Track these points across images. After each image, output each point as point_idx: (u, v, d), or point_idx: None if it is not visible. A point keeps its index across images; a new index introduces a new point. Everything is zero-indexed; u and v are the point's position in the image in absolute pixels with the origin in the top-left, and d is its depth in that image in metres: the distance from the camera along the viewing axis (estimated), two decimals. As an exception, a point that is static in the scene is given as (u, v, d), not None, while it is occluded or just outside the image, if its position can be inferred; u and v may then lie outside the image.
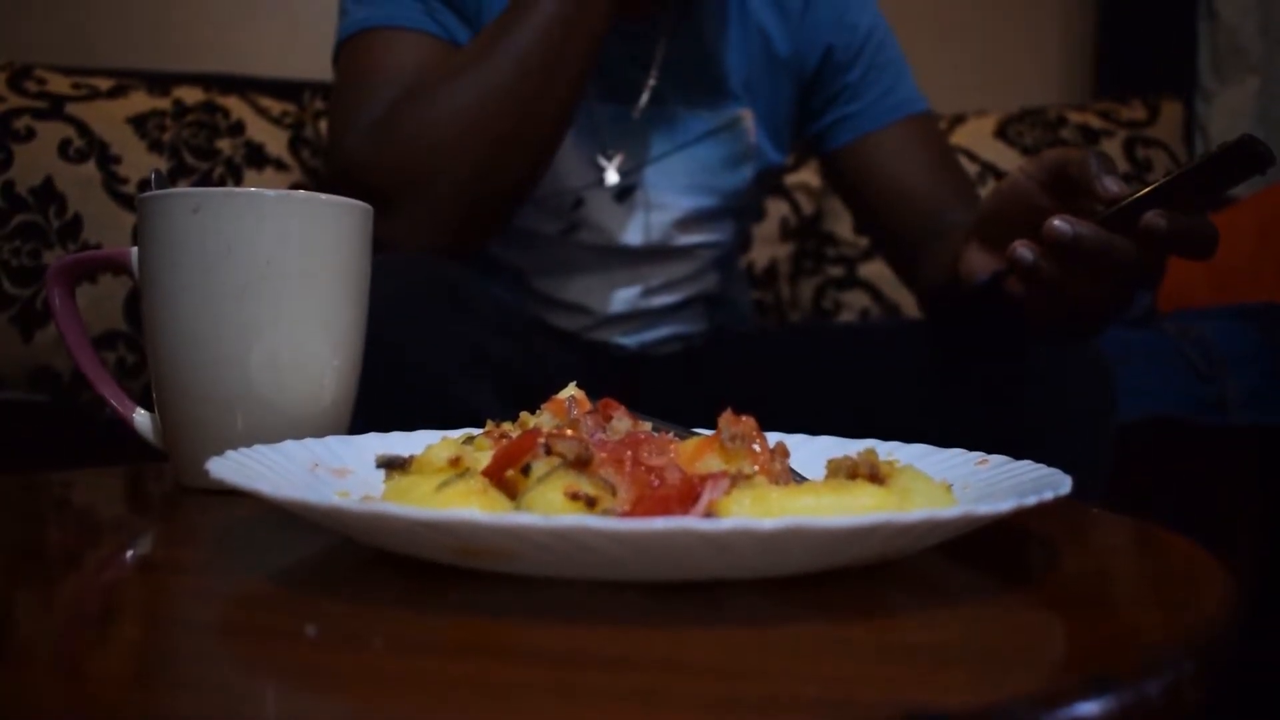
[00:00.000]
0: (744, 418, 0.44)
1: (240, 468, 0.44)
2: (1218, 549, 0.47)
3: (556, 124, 0.96)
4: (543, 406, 0.48)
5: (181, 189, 0.56)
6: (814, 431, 0.68)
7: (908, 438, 0.70)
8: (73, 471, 0.70)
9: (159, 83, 1.79)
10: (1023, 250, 0.71)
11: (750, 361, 1.07)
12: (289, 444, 0.51)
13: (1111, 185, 0.69)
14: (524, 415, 0.49)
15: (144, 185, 1.64)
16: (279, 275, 0.56)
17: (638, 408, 1.05)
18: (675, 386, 1.09)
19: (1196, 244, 0.66)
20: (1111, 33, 2.50)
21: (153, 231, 0.57)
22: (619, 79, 1.09)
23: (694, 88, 1.11)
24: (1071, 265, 0.69)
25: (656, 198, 1.10)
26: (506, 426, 0.49)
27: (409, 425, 0.61)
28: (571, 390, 0.50)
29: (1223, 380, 1.48)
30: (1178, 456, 1.41)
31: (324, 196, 0.58)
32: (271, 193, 0.56)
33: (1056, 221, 0.68)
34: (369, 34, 1.01)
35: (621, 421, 0.46)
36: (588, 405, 0.48)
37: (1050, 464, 0.88)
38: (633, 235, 1.09)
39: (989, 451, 0.53)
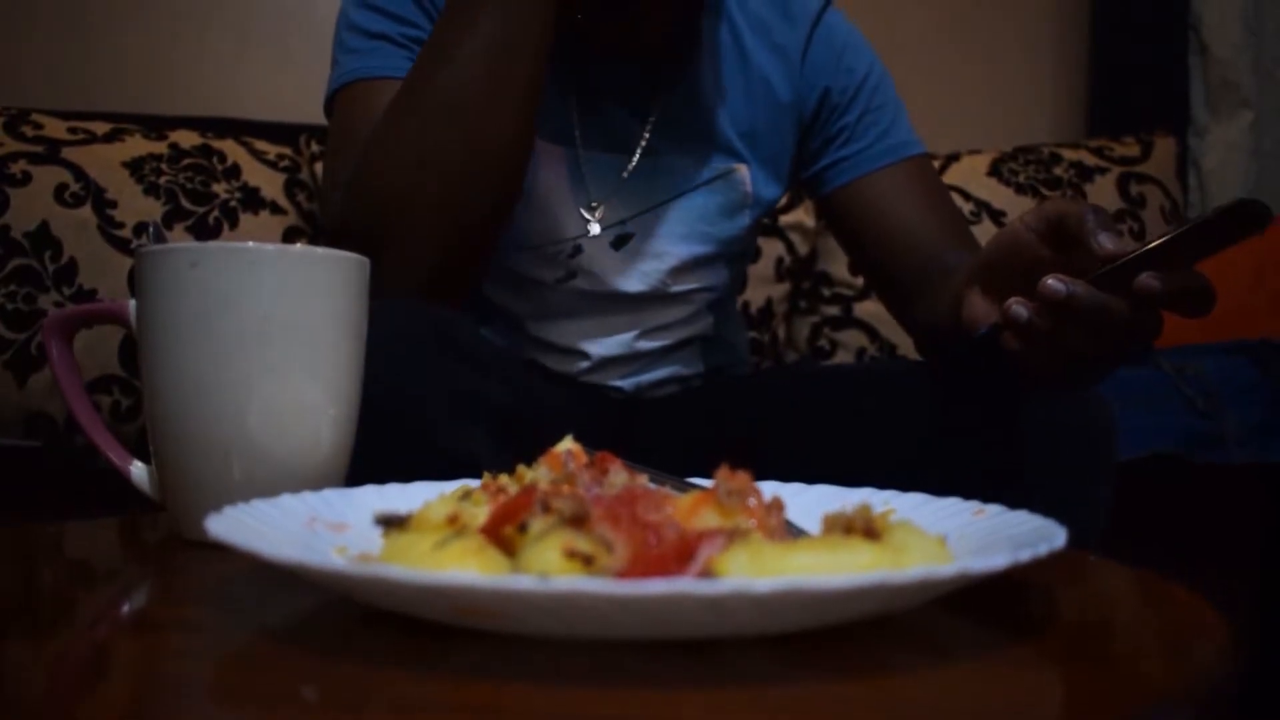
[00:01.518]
0: (739, 472, 0.44)
1: (238, 525, 0.44)
2: (1218, 588, 0.46)
3: (507, 160, 0.93)
4: (539, 460, 0.48)
5: (180, 244, 0.56)
6: (811, 474, 0.67)
7: (905, 479, 0.70)
8: (66, 522, 0.69)
9: (155, 126, 1.80)
10: (1018, 308, 0.71)
11: (746, 404, 1.07)
12: (286, 498, 0.51)
13: (1107, 243, 0.69)
14: (520, 469, 0.49)
15: (140, 231, 1.64)
16: (276, 328, 0.57)
17: (633, 451, 1.05)
18: (671, 429, 1.09)
19: (1192, 303, 0.67)
20: (1103, 70, 2.52)
21: (151, 285, 0.57)
22: (615, 131, 1.09)
23: (691, 138, 1.11)
24: (1066, 323, 0.70)
25: (653, 246, 1.10)
26: (503, 480, 0.49)
27: (405, 471, 0.61)
28: (568, 444, 0.50)
29: (1221, 417, 1.49)
30: (1178, 494, 1.41)
31: (320, 250, 0.58)
32: (270, 247, 0.56)
33: (1050, 281, 0.68)
34: (356, 86, 1.01)
35: (618, 475, 0.46)
36: (584, 458, 0.48)
37: (1050, 504, 0.88)
38: (629, 282, 1.10)
39: (988, 493, 0.53)
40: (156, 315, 0.57)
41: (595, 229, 1.08)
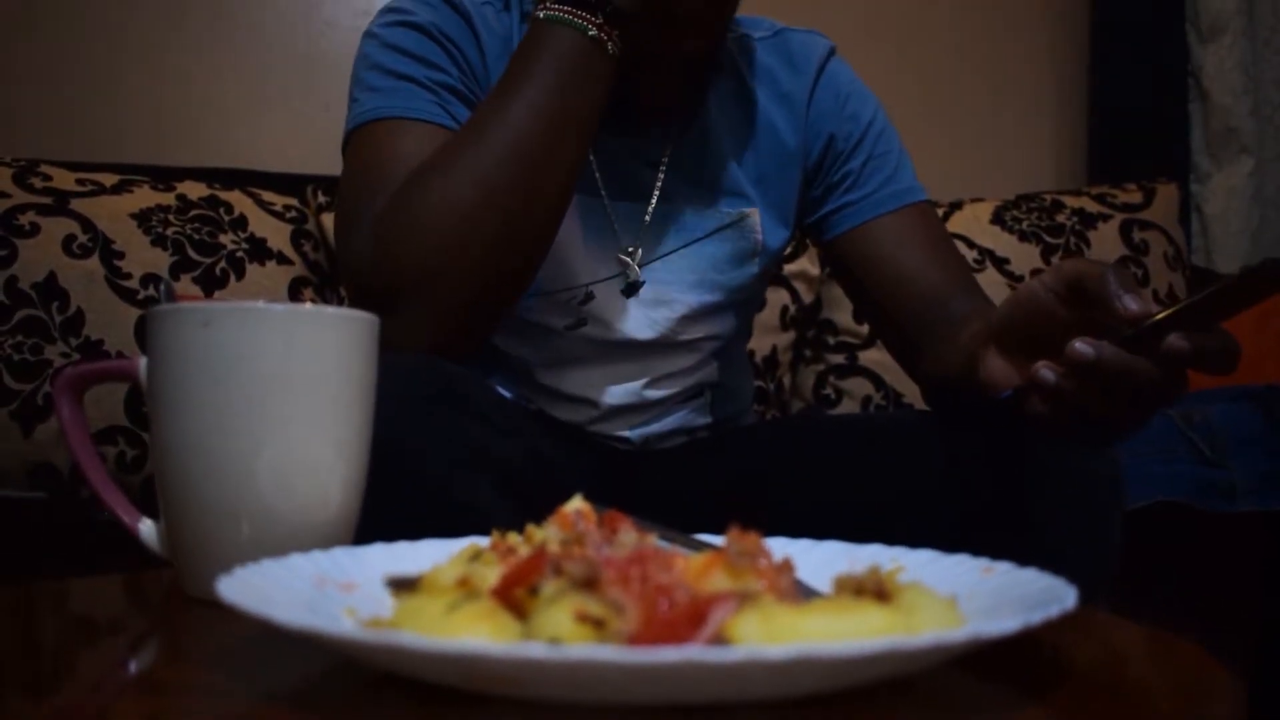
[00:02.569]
0: (749, 533, 0.44)
1: (248, 588, 0.44)
2: (1226, 638, 0.46)
3: (552, 216, 0.95)
4: (549, 519, 0.48)
5: (191, 303, 0.57)
6: (819, 526, 0.67)
7: (912, 530, 0.70)
8: (71, 578, 0.69)
9: (163, 177, 1.81)
10: (1045, 371, 0.72)
11: (753, 456, 1.06)
12: (295, 558, 0.51)
13: (1132, 304, 0.69)
14: (530, 528, 0.49)
15: (146, 282, 1.65)
16: (286, 387, 0.57)
17: (640, 504, 1.05)
18: (678, 481, 1.09)
19: (1219, 362, 0.67)
20: (1104, 117, 2.53)
21: (162, 345, 0.58)
22: (631, 179, 1.10)
23: (701, 187, 1.12)
24: (1093, 385, 0.70)
25: (664, 294, 1.10)
26: (513, 539, 0.49)
27: (413, 526, 0.61)
28: (577, 503, 0.50)
29: (1228, 465, 1.48)
30: (1186, 543, 1.41)
31: (330, 310, 0.59)
32: (279, 307, 0.57)
33: (1079, 344, 0.69)
34: (378, 125, 1.01)
35: (628, 535, 0.46)
36: (594, 518, 0.48)
37: (1058, 555, 0.88)
38: (638, 330, 1.10)
39: (996, 544, 0.53)
40: (167, 374, 0.58)
41: (634, 271, 1.09)
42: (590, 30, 0.93)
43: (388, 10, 1.08)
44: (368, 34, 1.07)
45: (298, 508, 0.59)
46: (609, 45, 0.93)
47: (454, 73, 1.04)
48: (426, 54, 1.03)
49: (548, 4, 0.94)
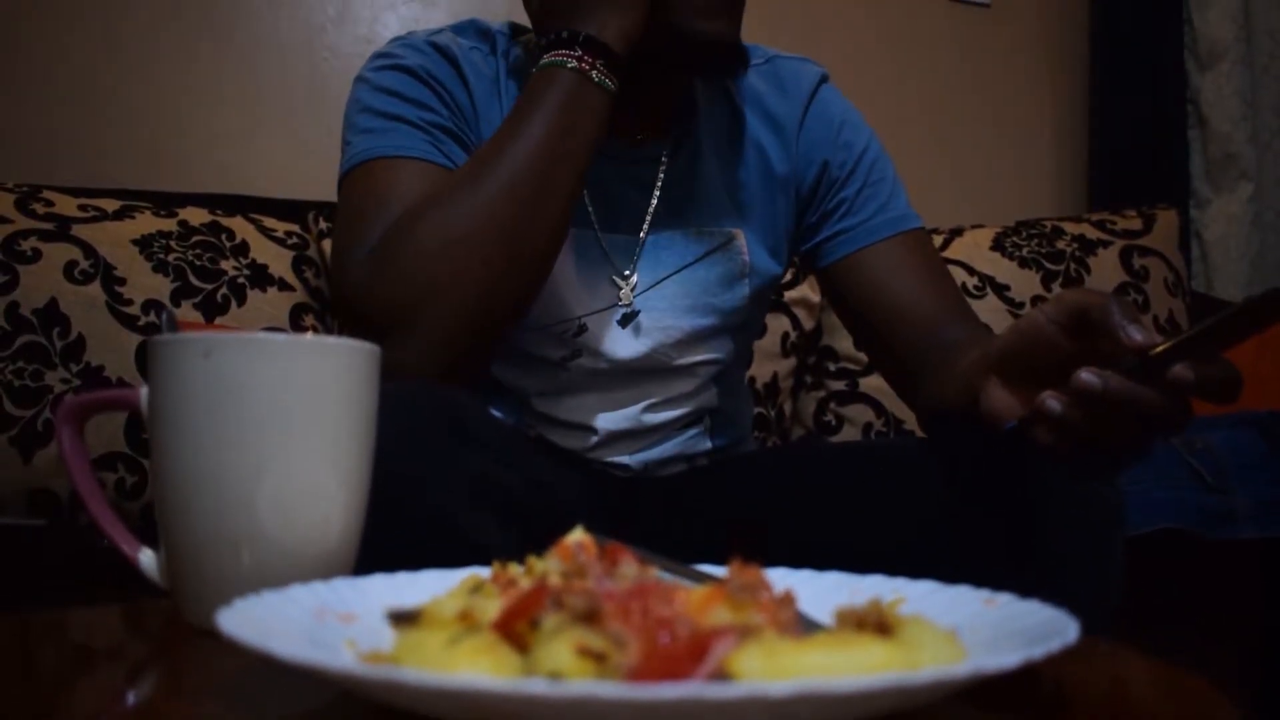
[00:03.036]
0: (751, 566, 0.44)
1: (248, 620, 0.44)
2: (1228, 666, 0.46)
3: (548, 249, 0.97)
4: (550, 551, 0.48)
5: (193, 334, 0.57)
6: (820, 554, 0.67)
7: (913, 558, 0.70)
8: (70, 608, 0.69)
9: (165, 203, 1.82)
10: (1051, 402, 0.72)
11: (753, 484, 1.06)
12: (295, 589, 0.51)
13: (1136, 334, 0.70)
14: (531, 560, 0.49)
15: (148, 309, 1.65)
16: (287, 417, 0.57)
17: (640, 531, 1.05)
18: (677, 509, 1.08)
19: (1223, 391, 0.68)
20: (1103, 143, 2.54)
21: (164, 375, 0.58)
22: (622, 207, 1.10)
23: (691, 209, 1.13)
24: (1098, 415, 0.70)
25: (657, 320, 1.11)
26: (513, 571, 0.49)
27: (413, 554, 0.61)
28: (578, 535, 0.50)
29: (1230, 491, 1.48)
30: (1188, 570, 1.40)
31: (331, 340, 0.59)
32: (281, 338, 0.57)
33: (1085, 374, 0.69)
34: (371, 165, 1.03)
35: (629, 567, 0.46)
36: (595, 550, 0.48)
37: (1059, 583, 0.87)
38: (634, 357, 1.10)
39: (996, 572, 0.53)
40: (168, 404, 0.58)
41: (627, 296, 1.09)
42: (579, 68, 0.97)
43: (377, 55, 1.11)
44: (358, 78, 1.10)
45: (298, 537, 0.59)
46: (606, 81, 0.98)
47: (444, 112, 1.06)
48: (417, 95, 1.06)
49: (550, 52, 0.99)
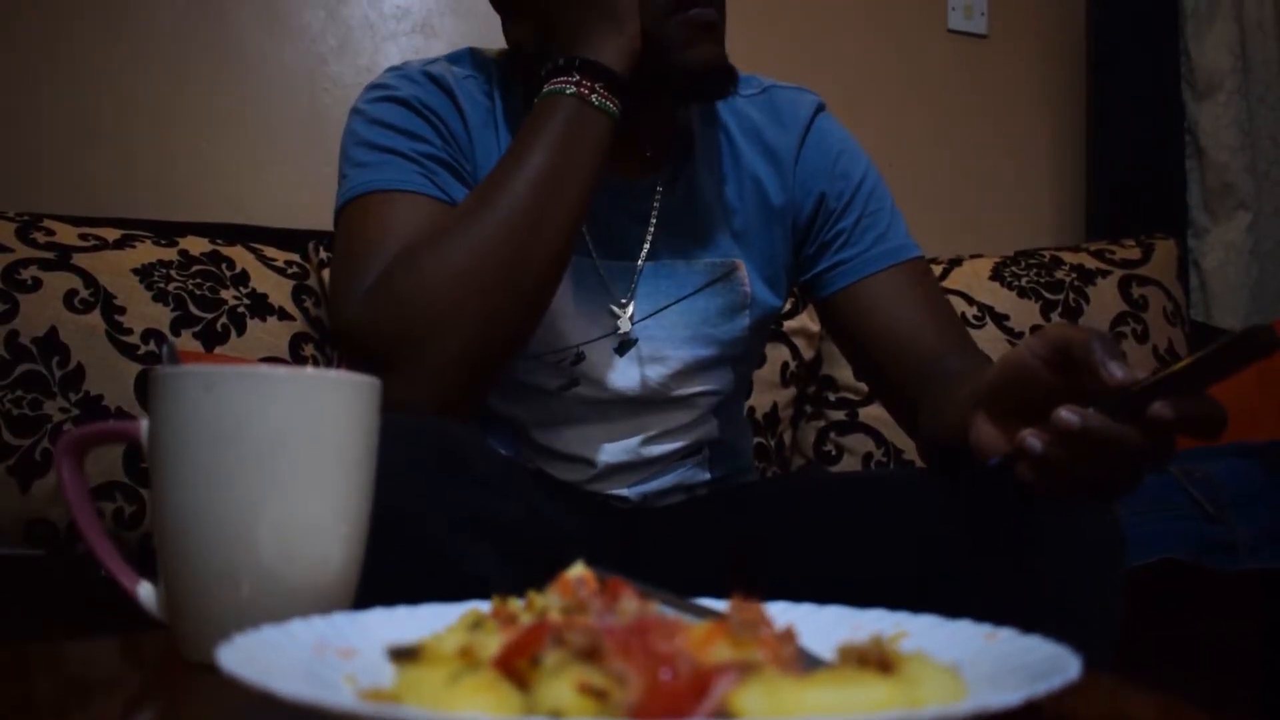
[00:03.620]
0: (752, 603, 0.43)
1: (248, 657, 0.44)
2: (1231, 699, 0.46)
3: (549, 277, 0.98)
4: (550, 586, 0.48)
5: (194, 367, 0.57)
6: (820, 585, 0.67)
7: (915, 590, 0.70)
8: (67, 642, 0.69)
9: (165, 233, 1.82)
10: (1031, 440, 0.72)
11: (753, 514, 1.06)
12: (295, 624, 0.51)
13: (1117, 372, 0.70)
14: (532, 596, 0.49)
15: (147, 338, 1.65)
16: (288, 451, 0.57)
17: (640, 563, 1.04)
18: (677, 540, 1.08)
19: (1204, 429, 0.67)
20: (1102, 173, 2.55)
21: (165, 408, 0.58)
22: (619, 236, 1.11)
23: (690, 240, 1.13)
24: (1080, 452, 0.70)
25: (655, 350, 1.11)
26: (514, 606, 0.49)
27: (413, 588, 0.61)
28: (579, 570, 0.50)
29: (1231, 522, 1.48)
30: (1190, 601, 1.40)
31: (332, 374, 0.59)
32: (282, 371, 0.57)
33: (1064, 412, 0.69)
34: (367, 198, 1.03)
35: (630, 603, 0.46)
36: (595, 585, 0.48)
37: (1060, 614, 0.87)
38: (631, 387, 1.10)
39: (998, 603, 0.53)
40: (169, 437, 0.58)
41: (626, 325, 1.09)
42: (580, 93, 0.98)
43: (373, 87, 1.11)
44: (354, 110, 1.10)
45: (298, 570, 0.59)
46: (594, 99, 0.98)
47: (438, 143, 1.06)
48: (411, 127, 1.06)
49: (551, 79, 1.00)
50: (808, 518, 1.00)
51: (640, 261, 1.11)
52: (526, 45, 1.09)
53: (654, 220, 1.12)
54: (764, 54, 2.32)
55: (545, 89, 0.99)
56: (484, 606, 0.51)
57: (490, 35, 1.18)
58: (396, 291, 0.93)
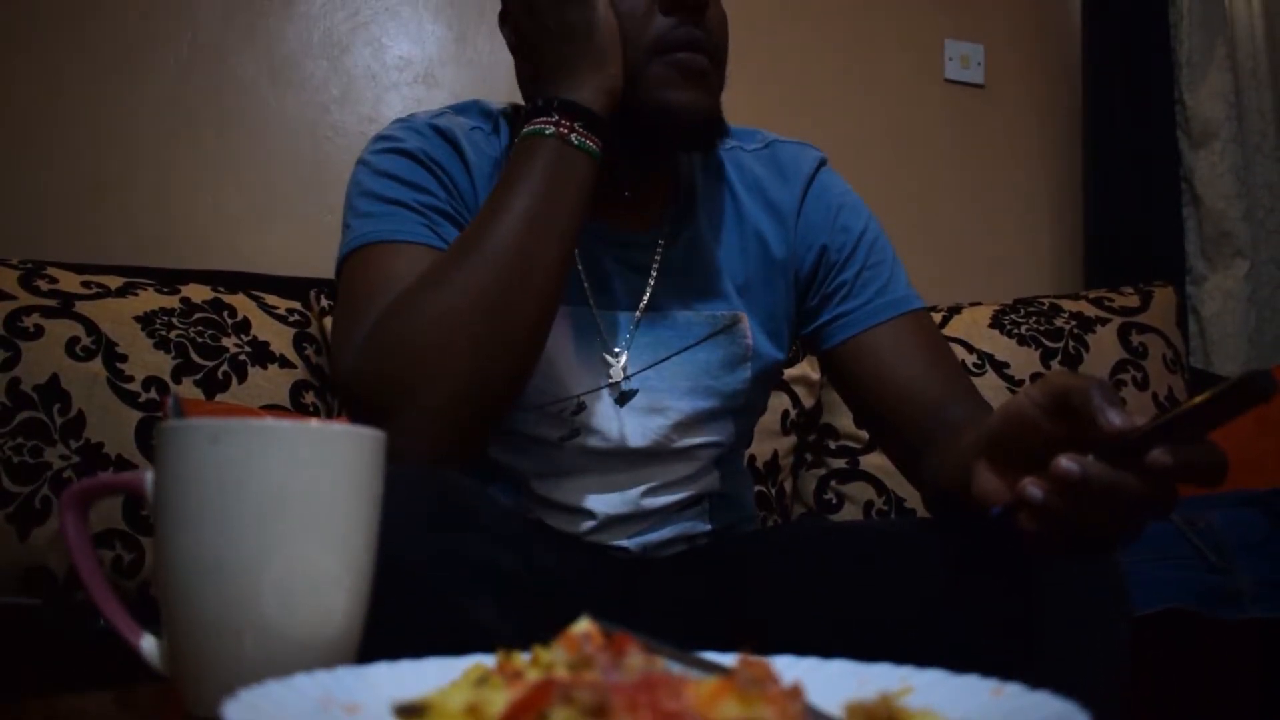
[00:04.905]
0: (759, 660, 0.43)
1: (254, 713, 0.43)
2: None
3: (537, 320, 0.97)
4: (556, 641, 0.48)
5: (199, 420, 0.57)
6: (822, 635, 0.67)
7: (917, 641, 0.69)
8: (67, 695, 0.68)
9: (168, 280, 1.83)
10: (1032, 489, 0.72)
11: (755, 565, 1.06)
12: (299, 678, 0.51)
13: (1115, 419, 0.70)
14: (537, 650, 0.49)
15: (148, 385, 1.65)
16: (292, 504, 0.57)
17: (642, 614, 1.04)
18: (679, 591, 1.08)
19: (1204, 476, 0.67)
20: (1099, 221, 2.57)
21: (170, 461, 0.58)
22: (619, 287, 1.11)
23: (691, 292, 1.13)
24: (1080, 501, 0.70)
25: (657, 401, 1.11)
26: (519, 661, 0.49)
27: (416, 639, 0.61)
28: (584, 625, 0.50)
29: (1234, 571, 1.47)
30: (1194, 651, 1.39)
31: (337, 427, 0.59)
32: (287, 424, 0.57)
33: (1064, 461, 0.69)
34: (370, 249, 1.03)
35: (636, 658, 0.46)
36: (601, 640, 0.48)
37: (1065, 665, 0.86)
38: (633, 438, 1.10)
39: (1002, 655, 0.52)
40: (174, 489, 0.58)
41: (619, 374, 1.09)
42: (560, 133, 0.98)
43: (379, 138, 1.12)
44: (360, 161, 1.11)
45: (302, 624, 0.58)
46: (573, 138, 0.98)
47: (441, 195, 1.07)
48: (416, 179, 1.06)
49: (530, 120, 0.99)
50: (809, 569, 1.00)
51: (639, 312, 1.11)
52: (525, 86, 1.09)
53: (654, 272, 1.12)
54: (764, 106, 2.34)
55: (525, 129, 0.99)
56: (488, 660, 0.51)
57: (491, 85, 1.20)
58: (386, 342, 0.93)
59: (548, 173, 0.97)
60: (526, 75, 1.10)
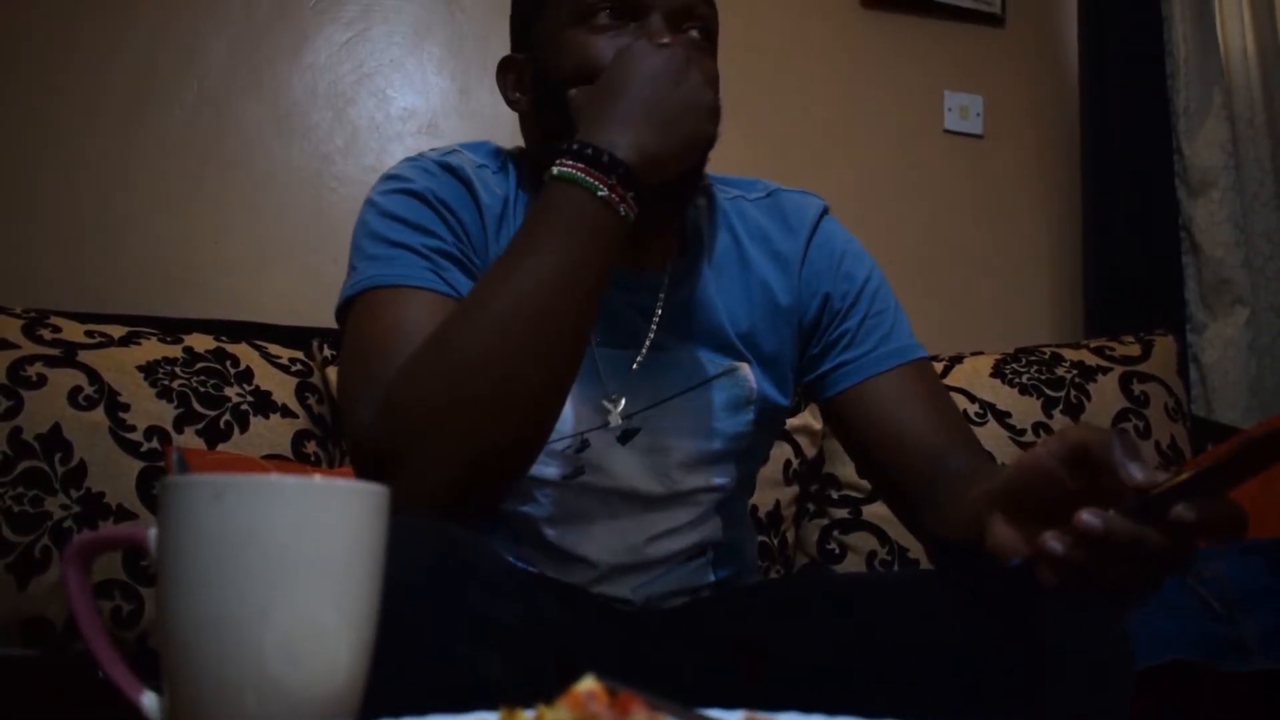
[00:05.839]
0: (764, 717, 0.43)
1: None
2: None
3: (555, 381, 0.96)
4: (560, 700, 0.48)
5: (204, 475, 0.57)
6: (827, 687, 0.66)
7: (921, 692, 0.69)
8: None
9: (171, 330, 1.83)
10: (1053, 543, 0.72)
11: (758, 618, 1.05)
12: (301, 737, 0.50)
13: (1137, 474, 0.70)
14: (541, 710, 0.48)
15: (150, 434, 1.65)
16: (297, 560, 0.57)
17: (645, 667, 1.03)
18: (682, 644, 1.07)
19: (1226, 531, 0.68)
20: (1098, 270, 2.57)
21: (174, 516, 0.58)
22: (622, 327, 1.11)
23: (695, 336, 1.13)
24: (1101, 555, 0.70)
25: (660, 441, 1.11)
26: (522, 716, 0.48)
27: (418, 698, 0.60)
28: (589, 683, 0.49)
29: (1240, 621, 1.46)
30: (1200, 703, 1.38)
31: (341, 483, 0.59)
32: (291, 480, 0.57)
33: (1086, 515, 0.69)
34: (374, 293, 1.03)
35: (640, 717, 0.45)
36: (605, 698, 0.48)
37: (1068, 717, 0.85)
38: (637, 479, 1.10)
39: (1005, 705, 0.52)
40: (178, 545, 0.57)
41: (616, 420, 1.09)
42: (600, 191, 0.94)
43: (388, 178, 1.11)
44: (368, 201, 1.10)
45: (305, 680, 0.58)
46: (621, 209, 0.94)
47: (449, 238, 1.06)
48: (422, 221, 1.06)
49: (561, 160, 0.95)
50: (813, 621, 0.99)
51: (642, 353, 1.11)
52: (533, 136, 1.09)
53: (658, 314, 1.12)
54: (766, 156, 2.36)
55: (555, 169, 0.95)
56: (491, 716, 0.51)
57: (494, 137, 1.20)
58: (400, 400, 0.92)
59: (577, 230, 0.93)
60: (549, 125, 1.08)
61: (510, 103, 1.15)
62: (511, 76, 1.14)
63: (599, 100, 0.98)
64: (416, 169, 1.10)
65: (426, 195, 1.07)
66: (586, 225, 0.94)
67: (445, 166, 1.11)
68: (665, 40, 1.03)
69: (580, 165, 0.94)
